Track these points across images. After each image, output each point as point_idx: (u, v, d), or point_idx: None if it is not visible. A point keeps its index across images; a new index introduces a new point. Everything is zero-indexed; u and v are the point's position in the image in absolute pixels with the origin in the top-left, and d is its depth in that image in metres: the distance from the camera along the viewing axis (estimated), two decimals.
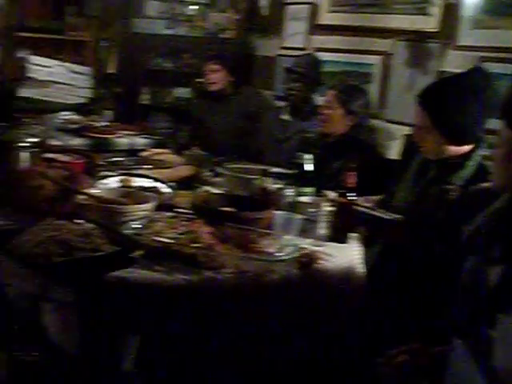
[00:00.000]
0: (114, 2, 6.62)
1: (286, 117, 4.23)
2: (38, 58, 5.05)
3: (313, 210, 2.58)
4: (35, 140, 3.07)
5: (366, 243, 2.60)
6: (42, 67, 5.00)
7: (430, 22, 4.15)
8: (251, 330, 2.15)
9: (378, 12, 4.61)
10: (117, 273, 2.02)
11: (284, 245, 2.31)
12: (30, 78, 4.95)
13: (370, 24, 4.66)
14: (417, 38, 4.23)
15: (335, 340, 2.31)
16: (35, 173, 2.58)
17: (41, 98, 5.08)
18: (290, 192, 2.74)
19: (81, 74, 5.27)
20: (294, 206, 2.68)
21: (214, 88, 4.76)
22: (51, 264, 1.98)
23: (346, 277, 2.32)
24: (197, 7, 6.29)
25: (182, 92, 6.30)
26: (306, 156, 2.84)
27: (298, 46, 5.33)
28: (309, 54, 4.68)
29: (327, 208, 2.67)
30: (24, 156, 2.94)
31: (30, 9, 6.40)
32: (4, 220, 2.45)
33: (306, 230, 2.54)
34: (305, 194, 2.74)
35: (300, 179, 2.82)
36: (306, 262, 2.26)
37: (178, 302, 2.07)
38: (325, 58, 4.72)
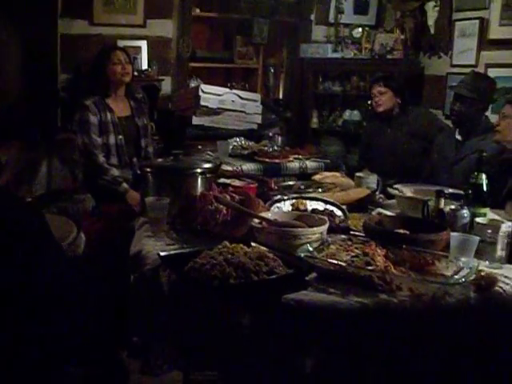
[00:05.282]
0: (281, 30, 6.79)
1: (458, 136, 4.12)
2: (210, 86, 5.24)
3: (490, 230, 2.50)
4: (209, 166, 3.17)
5: None
6: (214, 95, 5.18)
7: None
8: (426, 353, 2.12)
9: None
10: (292, 295, 2.06)
11: (460, 267, 2.25)
12: (202, 106, 5.14)
13: None
14: None
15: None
16: (210, 198, 2.66)
17: (213, 125, 5.27)
18: (465, 213, 2.67)
19: (250, 100, 5.40)
20: (469, 227, 2.62)
21: (380, 109, 4.76)
22: (227, 286, 2.04)
23: None
24: (363, 29, 6.31)
25: (351, 115, 6.32)
26: (480, 175, 2.76)
27: (468, 63, 5.21)
28: (472, 71, 4.43)
29: (505, 228, 2.58)
30: (199, 181, 3.07)
31: (200, 40, 6.71)
32: (181, 243, 2.57)
33: (484, 252, 2.46)
34: (480, 215, 2.67)
35: (475, 199, 2.74)
36: (484, 285, 2.19)
37: (353, 325, 2.07)
38: (496, 74, 4.57)
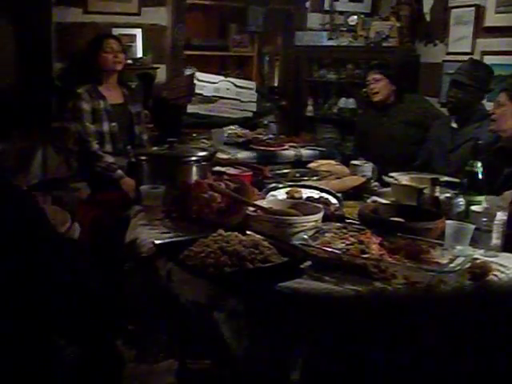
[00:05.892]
0: (276, 17, 6.77)
1: (454, 125, 4.12)
2: (204, 74, 5.21)
3: (485, 218, 2.50)
4: (204, 154, 3.16)
5: None
6: (209, 83, 5.16)
7: None
8: (419, 342, 2.12)
9: None
10: (287, 283, 2.06)
11: (455, 255, 2.24)
12: (197, 94, 5.12)
13: None
14: None
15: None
16: (205, 186, 2.66)
17: (208, 113, 5.25)
18: (460, 201, 2.67)
19: (245, 88, 5.37)
20: (465, 215, 2.62)
21: (376, 98, 4.75)
22: (222, 274, 2.04)
23: None
24: (358, 17, 6.29)
25: (347, 103, 6.30)
26: (476, 163, 2.76)
27: (464, 50, 5.19)
28: (471, 59, 4.42)
29: (500, 217, 2.58)
30: (194, 170, 3.06)
31: (195, 28, 6.68)
32: (176, 231, 2.57)
33: (479, 240, 2.46)
34: (475, 203, 2.67)
35: (470, 187, 2.74)
36: (479, 273, 2.19)
37: (348, 313, 2.07)
38: (492, 62, 4.55)
